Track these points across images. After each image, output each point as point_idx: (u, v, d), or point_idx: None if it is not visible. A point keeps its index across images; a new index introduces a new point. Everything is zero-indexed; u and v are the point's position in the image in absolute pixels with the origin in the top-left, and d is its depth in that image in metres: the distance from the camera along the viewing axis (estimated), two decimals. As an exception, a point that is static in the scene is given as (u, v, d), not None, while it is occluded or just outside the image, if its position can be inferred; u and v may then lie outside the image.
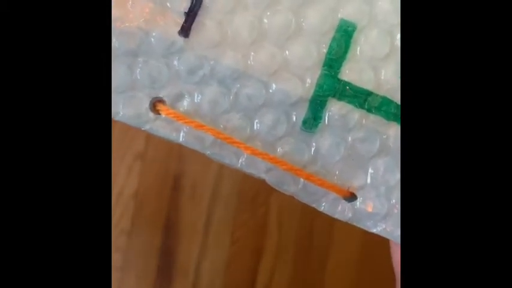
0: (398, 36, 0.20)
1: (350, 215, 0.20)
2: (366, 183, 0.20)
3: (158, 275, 0.48)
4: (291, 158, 0.20)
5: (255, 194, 0.49)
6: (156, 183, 0.49)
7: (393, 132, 0.20)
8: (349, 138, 0.20)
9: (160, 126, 0.20)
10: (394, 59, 0.20)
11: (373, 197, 0.20)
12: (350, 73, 0.20)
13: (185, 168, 0.49)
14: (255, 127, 0.20)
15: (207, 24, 0.19)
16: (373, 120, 0.20)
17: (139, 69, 0.19)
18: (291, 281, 0.49)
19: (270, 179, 0.20)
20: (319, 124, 0.20)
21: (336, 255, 0.49)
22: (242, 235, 0.49)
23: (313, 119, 0.20)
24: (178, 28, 0.19)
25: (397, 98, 0.20)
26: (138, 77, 0.19)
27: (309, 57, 0.20)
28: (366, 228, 0.20)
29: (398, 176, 0.20)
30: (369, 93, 0.20)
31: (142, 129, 0.19)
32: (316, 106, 0.20)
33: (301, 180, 0.20)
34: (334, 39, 0.20)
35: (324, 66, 0.20)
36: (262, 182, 0.20)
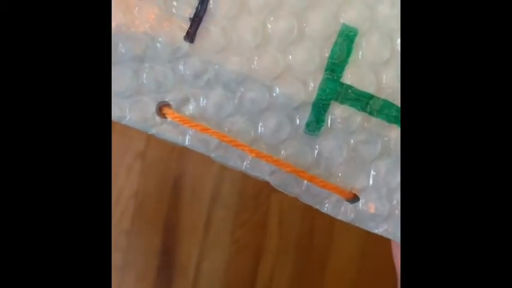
0: (399, 41, 0.20)
1: (352, 216, 0.20)
2: (368, 185, 0.20)
3: (158, 275, 0.48)
4: (295, 161, 0.20)
5: (255, 194, 0.48)
6: (156, 183, 0.48)
7: (394, 134, 0.20)
8: (352, 141, 0.20)
9: (166, 130, 0.20)
10: (394, 63, 0.20)
11: (375, 198, 0.20)
12: (352, 77, 0.20)
13: (185, 168, 0.48)
14: (259, 130, 0.20)
15: (211, 29, 0.19)
16: (375, 123, 0.20)
17: (145, 74, 0.19)
18: (291, 281, 0.48)
19: (274, 181, 0.20)
20: (322, 127, 0.20)
21: (336, 255, 0.49)
22: (242, 235, 0.48)
23: (316, 122, 0.20)
24: (184, 34, 0.19)
25: (398, 101, 0.20)
26: (145, 82, 0.19)
27: (311, 62, 0.20)
28: (368, 229, 0.21)
29: (399, 177, 0.20)
30: (370, 97, 0.20)
31: (149, 133, 0.20)
32: (319, 109, 0.20)
33: (305, 182, 0.20)
34: (336, 43, 0.20)
35: (326, 70, 0.20)
36: (262, 182, 0.20)
